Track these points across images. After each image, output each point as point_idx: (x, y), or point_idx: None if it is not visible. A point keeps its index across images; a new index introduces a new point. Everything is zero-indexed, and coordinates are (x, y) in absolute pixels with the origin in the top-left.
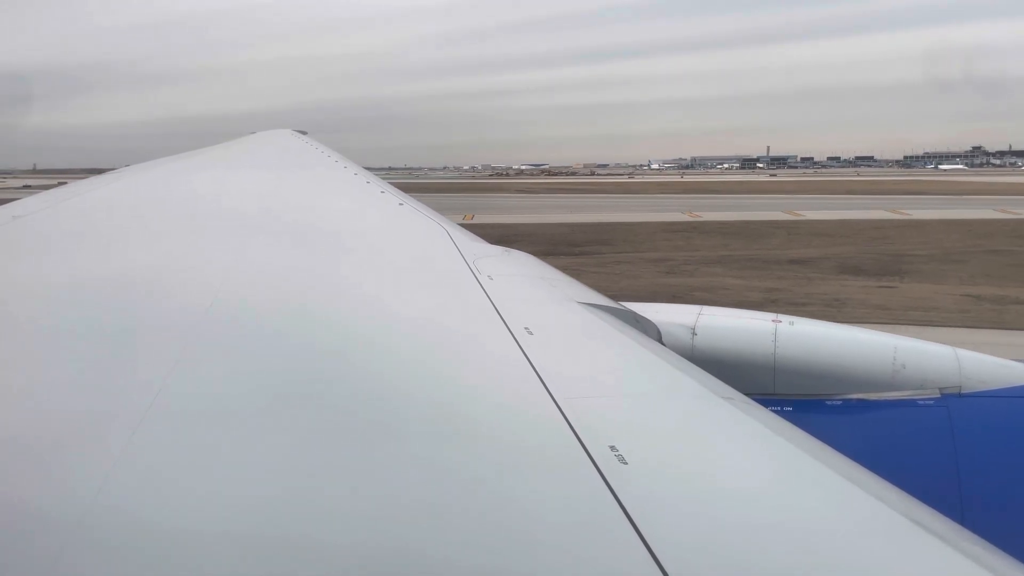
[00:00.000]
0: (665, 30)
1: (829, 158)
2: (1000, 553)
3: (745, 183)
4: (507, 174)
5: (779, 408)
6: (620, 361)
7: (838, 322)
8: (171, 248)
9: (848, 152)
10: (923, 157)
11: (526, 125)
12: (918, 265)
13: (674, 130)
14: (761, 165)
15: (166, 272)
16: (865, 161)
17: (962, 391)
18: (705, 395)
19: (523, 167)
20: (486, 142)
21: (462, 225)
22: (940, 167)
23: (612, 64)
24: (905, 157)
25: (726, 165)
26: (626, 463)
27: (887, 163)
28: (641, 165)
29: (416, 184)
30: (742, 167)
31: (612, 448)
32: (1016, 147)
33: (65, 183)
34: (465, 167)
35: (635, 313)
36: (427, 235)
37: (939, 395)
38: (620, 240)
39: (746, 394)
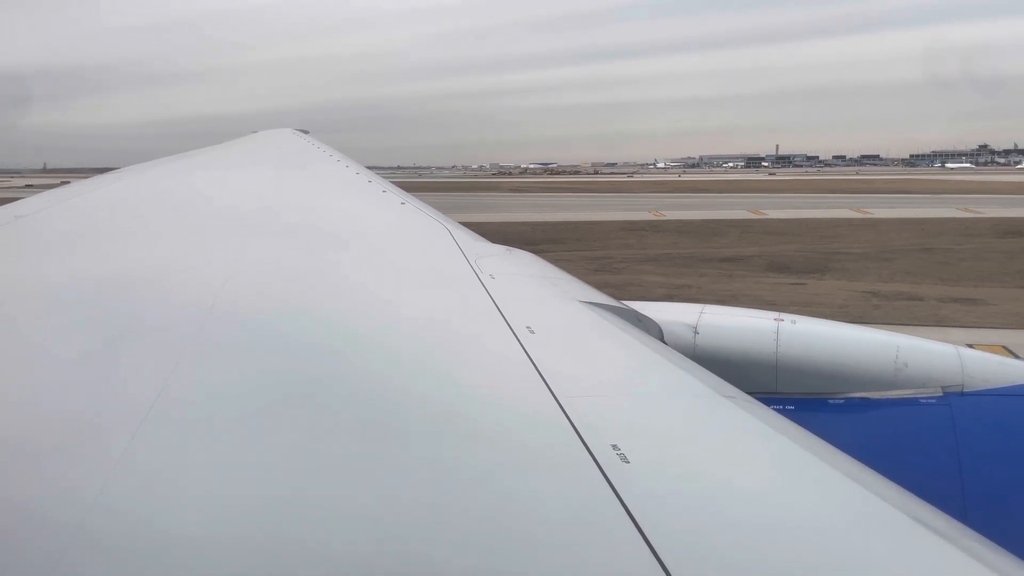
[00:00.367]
0: (676, 29)
1: (834, 157)
2: (1003, 552)
3: (735, 182)
4: (511, 173)
5: (781, 407)
6: (622, 360)
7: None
8: (171, 247)
9: (855, 151)
10: (930, 156)
11: (536, 125)
12: (846, 263)
13: (684, 129)
14: (766, 164)
15: (167, 271)
16: (870, 160)
17: (964, 390)
18: (707, 394)
19: (530, 166)
20: (497, 141)
21: None
22: (947, 166)
23: (623, 63)
24: (911, 156)
25: (731, 164)
26: (628, 462)
27: (892, 162)
28: (647, 164)
29: (403, 183)
30: (747, 166)
31: (614, 447)
32: (1021, 146)
33: (68, 182)
34: (474, 166)
35: (637, 312)
36: (429, 234)
37: (941, 394)
38: (573, 239)
39: (748, 393)
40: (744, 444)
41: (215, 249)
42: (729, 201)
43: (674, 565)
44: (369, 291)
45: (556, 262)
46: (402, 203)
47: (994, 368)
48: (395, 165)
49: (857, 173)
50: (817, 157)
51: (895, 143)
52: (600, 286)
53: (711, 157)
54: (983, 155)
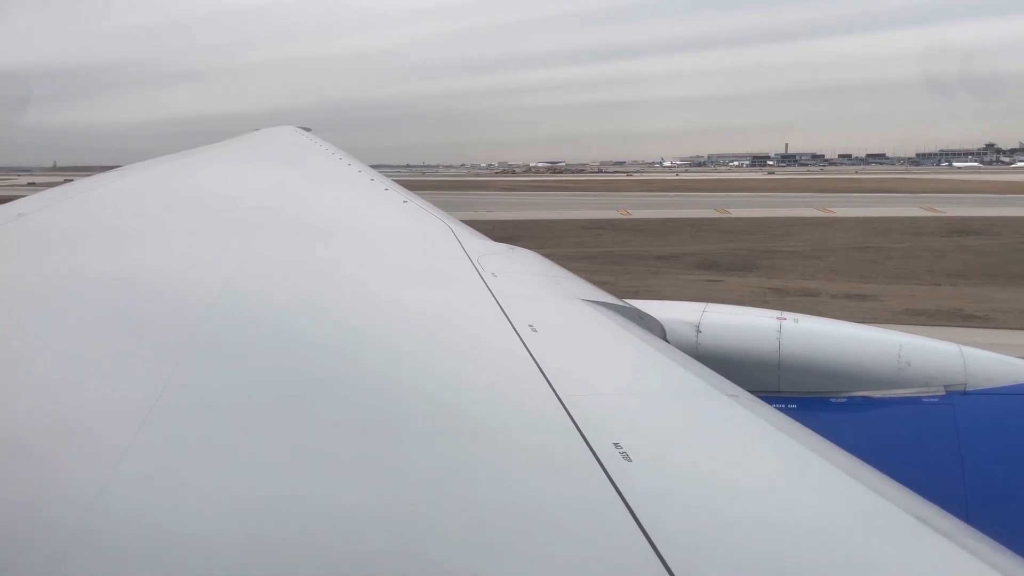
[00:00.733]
0: (687, 28)
1: (840, 156)
2: (1005, 550)
3: (727, 181)
4: (514, 172)
5: (783, 406)
6: (624, 358)
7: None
8: (174, 245)
9: (863, 150)
10: (937, 155)
11: (546, 123)
12: (775, 261)
13: (693, 127)
14: (771, 162)
15: (170, 269)
16: (876, 159)
17: (967, 389)
18: (709, 392)
19: (537, 165)
20: (506, 140)
21: None
22: (954, 165)
23: (633, 62)
24: (917, 155)
25: (736, 163)
26: (630, 460)
27: (898, 161)
28: (654, 163)
29: (402, 182)
30: (752, 164)
31: (616, 445)
32: None
33: (72, 180)
34: (483, 165)
35: (639, 310)
36: (431, 232)
37: (944, 393)
38: (529, 237)
39: (750, 391)
40: (746, 443)
41: (217, 247)
42: (703, 200)
43: (676, 563)
44: (372, 289)
45: None
46: (404, 201)
47: (997, 367)
48: (404, 164)
49: (856, 172)
50: (823, 156)
51: (903, 142)
52: None
53: (719, 156)
54: (988, 154)
